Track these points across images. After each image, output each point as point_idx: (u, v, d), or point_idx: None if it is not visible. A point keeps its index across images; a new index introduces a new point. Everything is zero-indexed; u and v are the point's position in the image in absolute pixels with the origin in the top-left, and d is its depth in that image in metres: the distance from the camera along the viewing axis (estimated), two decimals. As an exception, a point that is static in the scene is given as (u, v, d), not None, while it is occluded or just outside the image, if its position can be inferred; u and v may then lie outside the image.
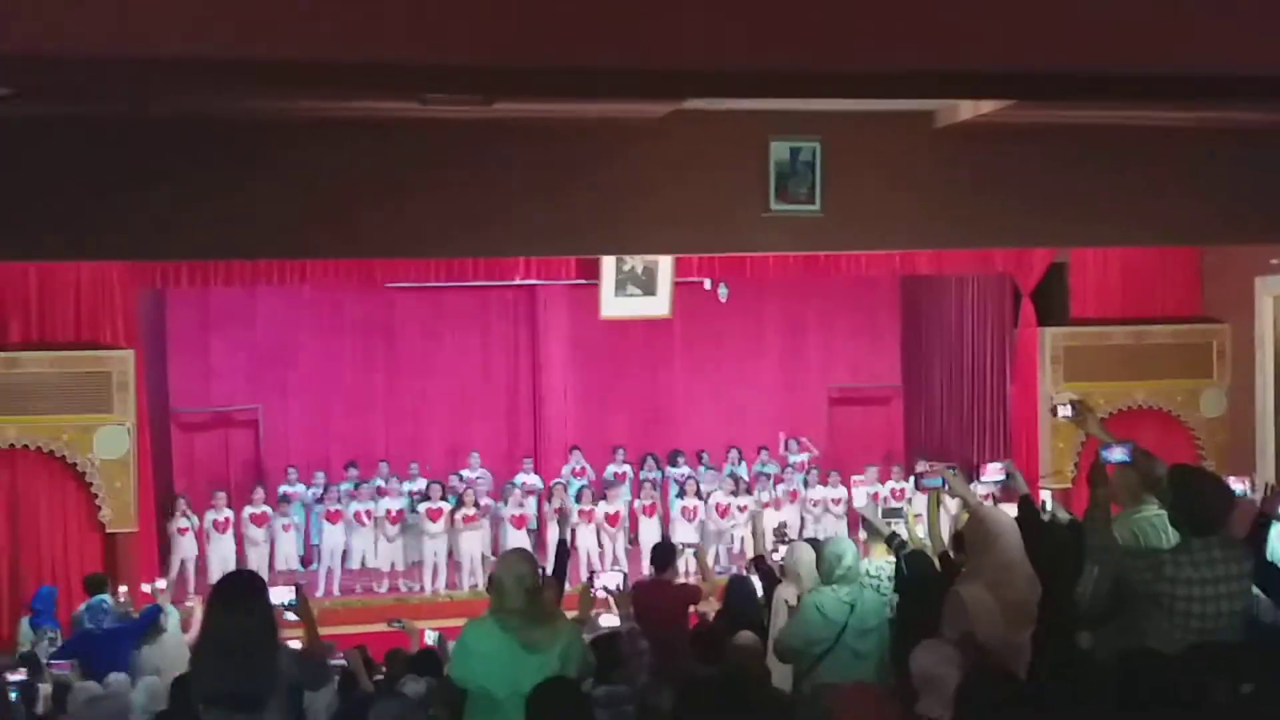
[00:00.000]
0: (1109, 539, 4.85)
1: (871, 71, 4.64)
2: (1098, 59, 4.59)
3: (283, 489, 14.20)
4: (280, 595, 4.87)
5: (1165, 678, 3.78)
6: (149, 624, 9.14)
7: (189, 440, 15.35)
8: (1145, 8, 4.49)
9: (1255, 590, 4.81)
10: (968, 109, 7.94)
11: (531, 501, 14.20)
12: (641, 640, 6.67)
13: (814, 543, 7.37)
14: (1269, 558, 4.86)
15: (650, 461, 15.39)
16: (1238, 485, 5.81)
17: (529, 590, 4.81)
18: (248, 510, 13.45)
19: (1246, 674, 3.99)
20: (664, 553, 8.54)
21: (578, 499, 14.06)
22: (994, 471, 6.60)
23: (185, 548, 13.00)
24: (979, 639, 5.15)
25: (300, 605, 4.99)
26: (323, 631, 10.59)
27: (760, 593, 7.73)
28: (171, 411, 15.06)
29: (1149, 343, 13.37)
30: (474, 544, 13.60)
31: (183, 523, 13.01)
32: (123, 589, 10.25)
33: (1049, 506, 7.45)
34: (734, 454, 15.62)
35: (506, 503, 13.91)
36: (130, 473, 12.00)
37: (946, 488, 6.23)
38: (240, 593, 4.32)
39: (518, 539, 13.51)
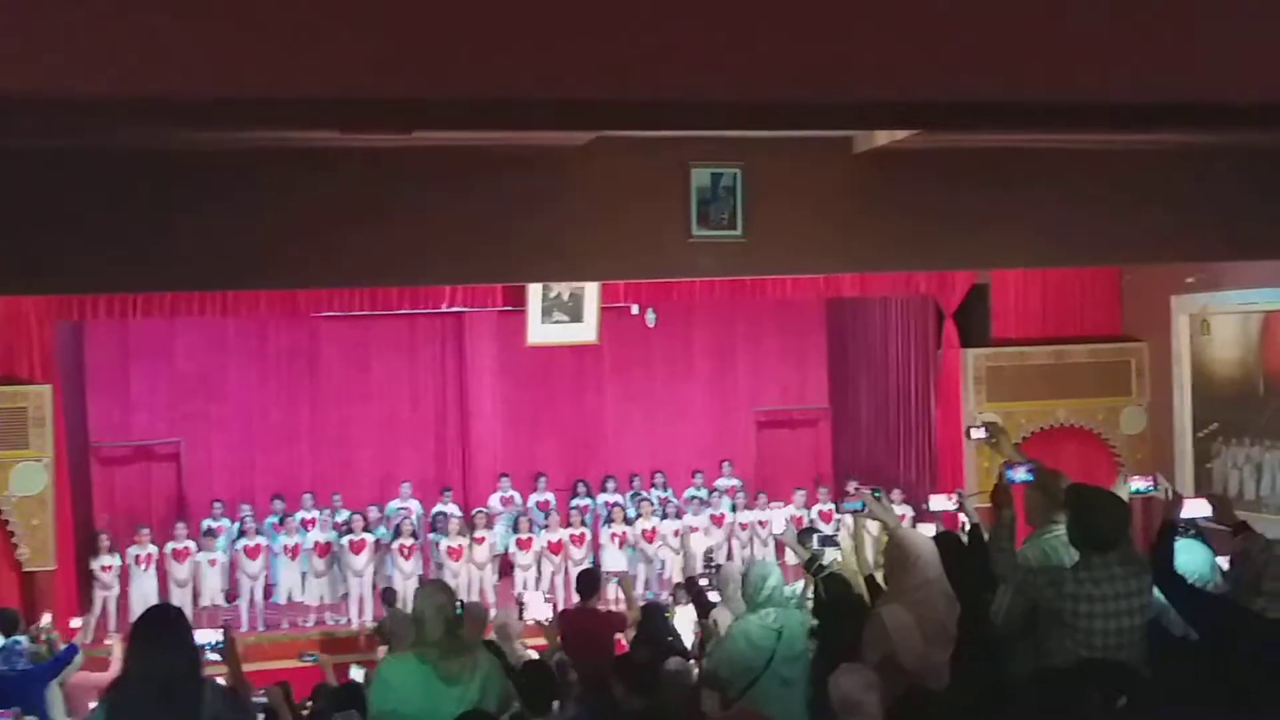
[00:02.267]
0: (1012, 559, 4.91)
1: (788, 104, 4.67)
2: (1012, 88, 4.66)
3: (206, 523, 13.96)
4: (206, 636, 4.83)
5: (1053, 694, 3.84)
6: (65, 663, 8.95)
7: (109, 475, 15.06)
8: (1058, 37, 4.55)
9: (1164, 602, 4.88)
10: (884, 135, 8.02)
11: (464, 529, 14.10)
12: (571, 672, 6.64)
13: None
14: (1175, 569, 4.92)
15: (581, 488, 15.37)
16: (1143, 483, 5.89)
17: (448, 620, 4.78)
18: (170, 546, 13.24)
19: (1125, 687, 4.06)
20: (590, 580, 8.50)
21: (514, 528, 14.04)
22: (942, 502, 6.67)
23: (108, 585, 12.76)
24: (900, 660, 5.18)
25: (226, 647, 4.94)
26: (246, 668, 10.39)
27: (693, 615, 7.73)
28: (91, 446, 14.78)
29: (1069, 362, 13.59)
30: (410, 576, 13.49)
31: (106, 560, 12.78)
32: (46, 619, 10.03)
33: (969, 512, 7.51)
34: (660, 478, 15.68)
35: (448, 534, 13.79)
36: (48, 510, 11.78)
37: (866, 511, 6.27)
38: (163, 628, 4.26)
39: (450, 570, 13.47)
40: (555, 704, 6.03)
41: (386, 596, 12.31)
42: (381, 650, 11.18)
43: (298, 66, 4.09)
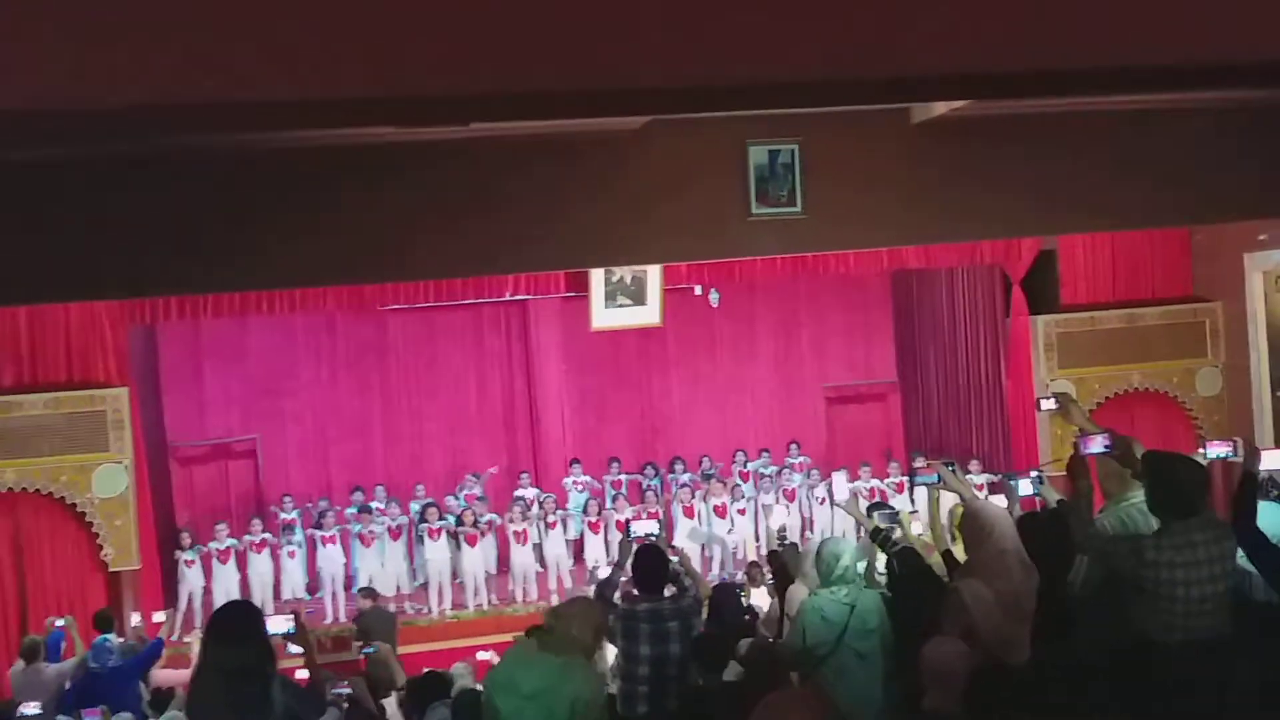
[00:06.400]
0: (1090, 528, 4.86)
1: (843, 80, 4.62)
2: (1069, 53, 4.59)
3: (282, 516, 14.16)
4: (278, 625, 4.87)
5: (1156, 670, 3.80)
6: (153, 658, 9.15)
7: (188, 474, 15.32)
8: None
9: (1247, 567, 4.81)
10: (942, 104, 7.95)
11: (534, 515, 14.19)
12: (686, 579, 6.67)
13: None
14: (1258, 525, 4.83)
15: (650, 469, 15.40)
16: (1224, 449, 5.79)
17: (596, 629, 5.06)
18: (247, 539, 13.47)
19: (1231, 664, 4.00)
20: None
21: (584, 510, 14.11)
22: (1024, 487, 6.60)
23: (192, 580, 13.01)
24: (980, 634, 5.15)
25: (299, 634, 4.98)
26: (333, 659, 10.54)
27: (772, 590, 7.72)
28: (169, 446, 15.04)
29: (1141, 325, 13.39)
30: (476, 563, 13.61)
31: (189, 555, 13.03)
32: (135, 618, 10.24)
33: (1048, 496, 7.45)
34: (740, 456, 15.64)
35: (514, 520, 13.89)
36: (130, 510, 12.02)
37: (941, 483, 6.24)
38: (234, 624, 4.33)
39: (520, 554, 13.57)
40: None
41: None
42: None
43: (351, 65, 4.12)
